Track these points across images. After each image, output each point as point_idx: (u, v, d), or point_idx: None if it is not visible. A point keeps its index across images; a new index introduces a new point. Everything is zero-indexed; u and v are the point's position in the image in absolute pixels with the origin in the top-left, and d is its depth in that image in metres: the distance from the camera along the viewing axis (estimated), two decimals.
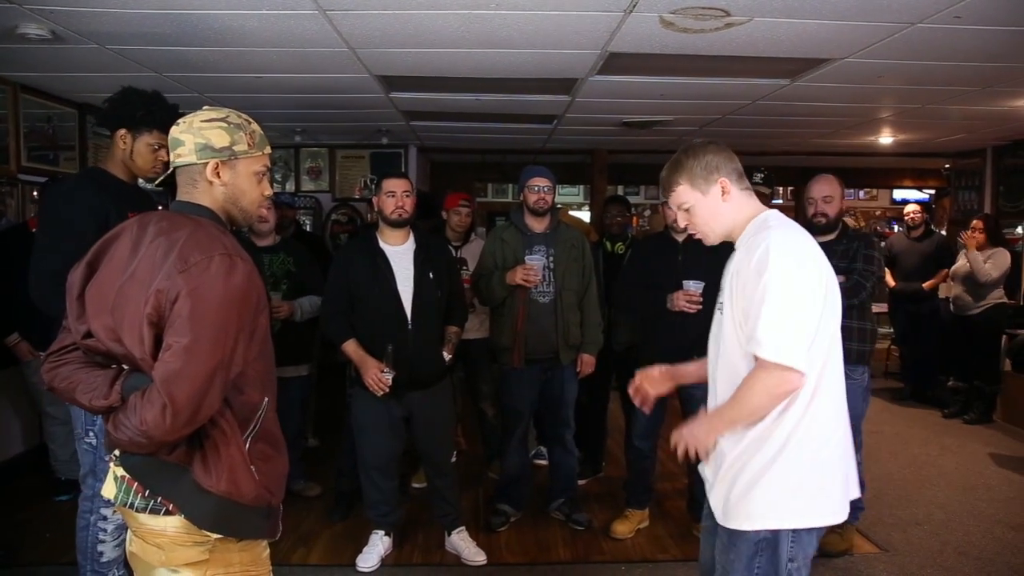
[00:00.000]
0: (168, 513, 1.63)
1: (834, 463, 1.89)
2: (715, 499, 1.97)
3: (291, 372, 4.04)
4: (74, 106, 4.97)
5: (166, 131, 2.66)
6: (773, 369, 1.77)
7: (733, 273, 1.92)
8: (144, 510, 1.65)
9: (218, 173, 1.71)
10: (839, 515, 1.90)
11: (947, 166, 7.74)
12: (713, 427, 1.93)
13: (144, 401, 1.50)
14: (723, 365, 1.96)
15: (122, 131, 2.66)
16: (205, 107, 1.76)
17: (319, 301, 3.79)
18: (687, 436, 1.97)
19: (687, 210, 2.01)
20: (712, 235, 2.02)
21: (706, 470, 2.02)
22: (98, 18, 3.14)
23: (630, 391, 2.27)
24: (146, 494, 1.64)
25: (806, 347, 1.77)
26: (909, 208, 6.71)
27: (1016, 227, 6.74)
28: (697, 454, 1.97)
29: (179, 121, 1.73)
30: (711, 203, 1.97)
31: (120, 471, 1.68)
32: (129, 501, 1.66)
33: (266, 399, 1.72)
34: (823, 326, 1.82)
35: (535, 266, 3.66)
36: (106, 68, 3.92)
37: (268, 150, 1.80)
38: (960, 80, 4.13)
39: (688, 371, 2.23)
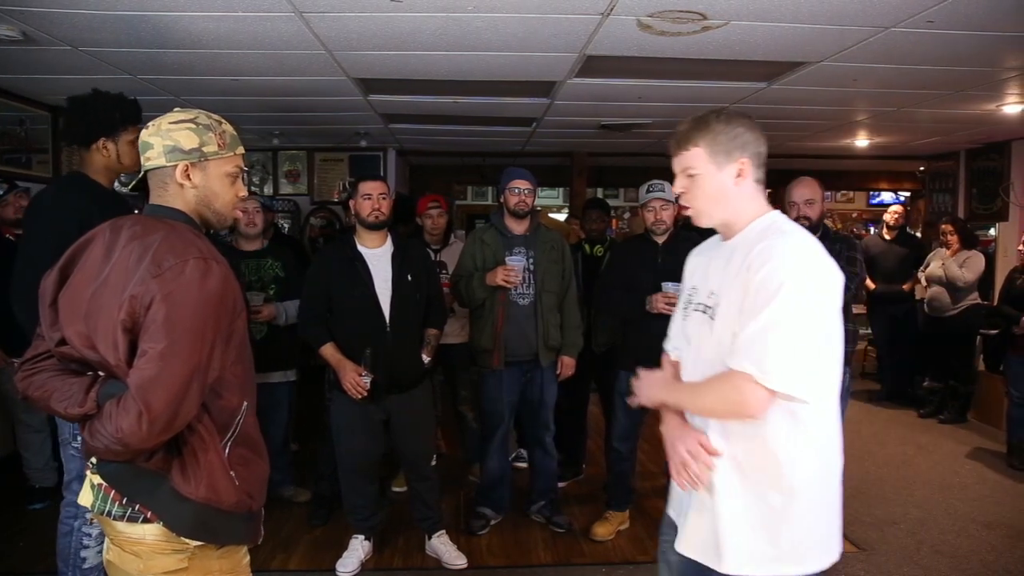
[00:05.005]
0: (146, 521, 1.61)
1: (839, 497, 1.75)
2: (703, 534, 1.74)
3: (278, 377, 4.01)
4: (47, 108, 4.90)
5: (137, 123, 2.63)
6: (758, 390, 1.57)
7: (731, 276, 1.67)
8: (122, 518, 1.63)
9: (188, 175, 1.68)
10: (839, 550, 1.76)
11: (922, 168, 7.84)
12: (666, 392, 1.82)
13: (119, 409, 1.47)
14: (706, 372, 1.74)
15: (101, 140, 2.60)
16: (175, 109, 1.74)
17: None
18: (640, 388, 1.87)
19: (691, 176, 1.74)
20: (705, 217, 1.77)
21: (693, 496, 1.77)
22: (70, 20, 3.10)
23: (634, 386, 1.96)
24: (123, 502, 1.62)
25: (816, 375, 1.60)
26: (893, 208, 6.80)
27: (988, 229, 6.85)
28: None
29: (148, 124, 1.70)
30: (721, 181, 1.71)
31: (97, 479, 1.66)
32: (107, 509, 1.64)
33: (245, 403, 1.70)
34: (840, 349, 1.64)
35: (515, 267, 3.65)
36: (79, 70, 3.88)
37: (241, 151, 1.77)
38: (933, 84, 4.19)
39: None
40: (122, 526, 1.63)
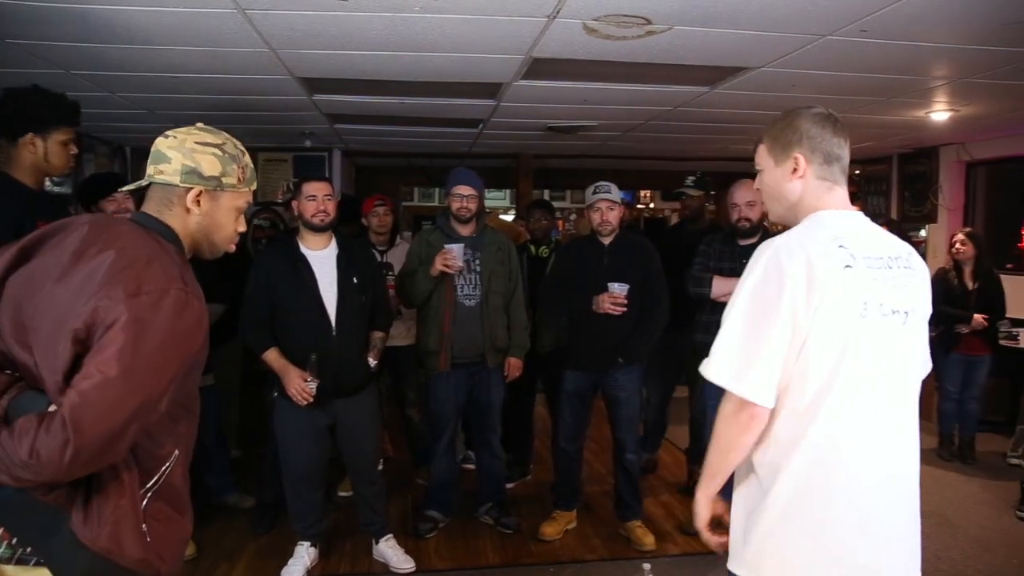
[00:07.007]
0: (39, 564, 1.40)
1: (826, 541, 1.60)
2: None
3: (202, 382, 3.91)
4: None
5: (72, 124, 2.55)
6: (729, 394, 1.56)
7: None
8: (10, 560, 1.40)
9: (199, 201, 1.57)
10: None
11: (858, 172, 8.10)
12: (700, 485, 1.68)
13: (42, 430, 1.27)
14: None
15: (29, 135, 2.51)
16: (199, 124, 1.62)
17: (221, 309, 3.68)
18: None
19: (759, 172, 1.80)
20: (772, 212, 1.82)
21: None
22: None
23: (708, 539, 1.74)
24: (12, 542, 1.40)
25: (763, 374, 1.51)
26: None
27: (919, 230, 7.11)
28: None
29: (168, 134, 1.58)
30: (779, 176, 1.73)
31: None
32: None
33: (176, 453, 1.53)
34: (812, 356, 1.52)
35: (453, 249, 3.63)
36: (6, 63, 3.71)
37: (254, 186, 1.69)
38: (867, 91, 4.33)
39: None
40: (12, 571, 1.40)
